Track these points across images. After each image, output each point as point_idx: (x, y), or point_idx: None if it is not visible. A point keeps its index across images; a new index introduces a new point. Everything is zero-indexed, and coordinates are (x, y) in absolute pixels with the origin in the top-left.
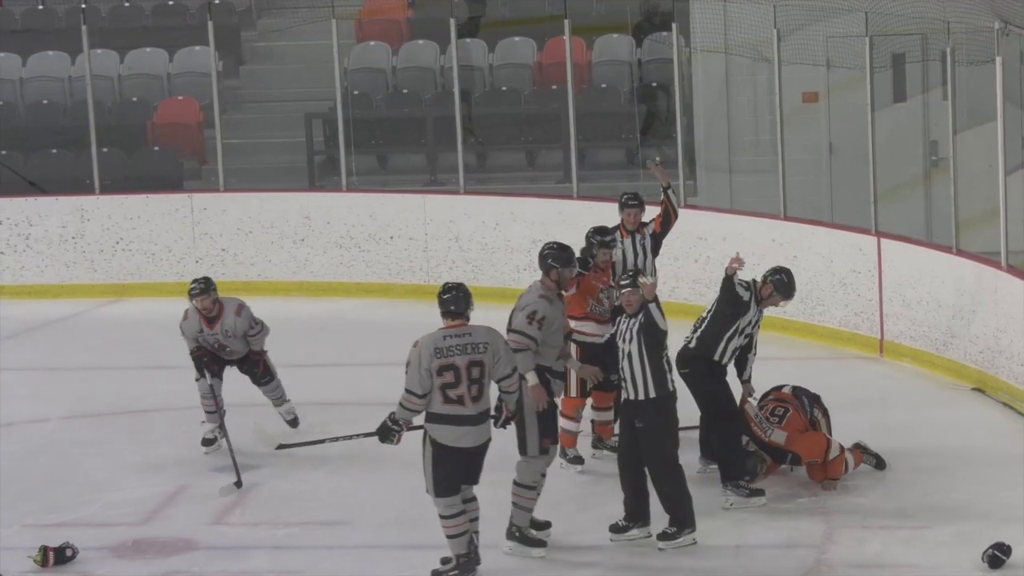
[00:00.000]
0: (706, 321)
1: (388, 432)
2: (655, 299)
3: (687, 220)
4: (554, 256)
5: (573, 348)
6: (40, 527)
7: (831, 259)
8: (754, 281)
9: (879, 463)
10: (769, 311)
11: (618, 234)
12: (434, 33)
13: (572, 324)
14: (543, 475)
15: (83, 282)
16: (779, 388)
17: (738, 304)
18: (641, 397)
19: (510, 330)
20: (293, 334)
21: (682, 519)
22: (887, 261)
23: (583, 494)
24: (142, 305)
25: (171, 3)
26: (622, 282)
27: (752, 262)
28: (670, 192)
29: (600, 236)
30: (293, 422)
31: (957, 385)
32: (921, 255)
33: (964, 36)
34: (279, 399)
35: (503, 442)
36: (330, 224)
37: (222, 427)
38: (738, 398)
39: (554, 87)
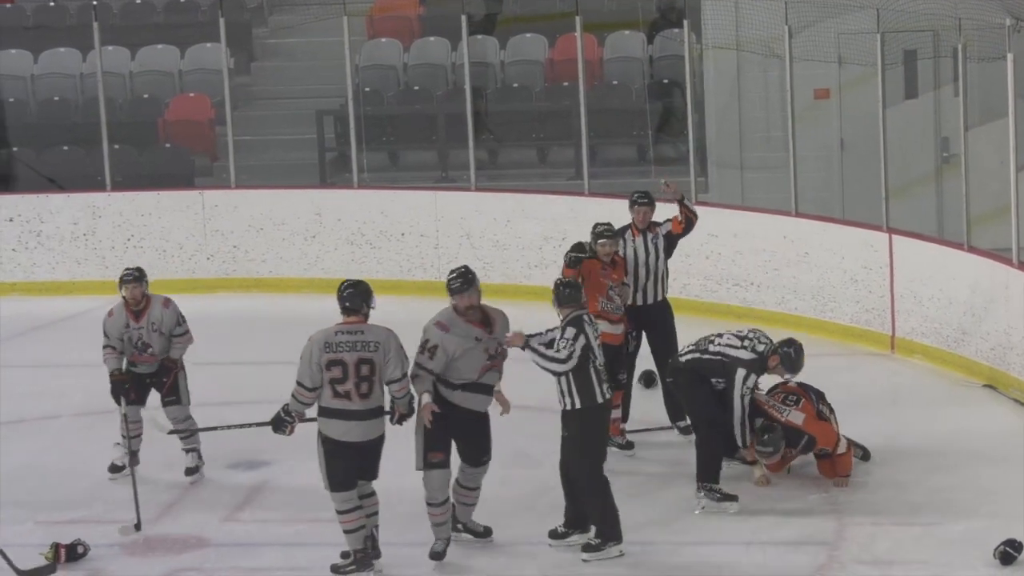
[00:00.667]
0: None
1: (281, 423)
2: (587, 316)
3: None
4: (448, 284)
5: None
6: (51, 524)
7: (842, 255)
8: (762, 355)
9: (865, 454)
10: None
11: (629, 233)
12: (445, 30)
13: None
14: (469, 487)
15: (94, 279)
16: (784, 383)
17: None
18: (567, 407)
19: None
20: (304, 331)
21: (607, 532)
22: (899, 258)
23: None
24: None
25: (182, 0)
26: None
27: (764, 259)
28: (685, 202)
29: (597, 229)
30: (190, 471)
31: (968, 382)
32: (933, 252)
33: (975, 33)
34: (187, 438)
35: (512, 439)
36: (341, 221)
37: (134, 455)
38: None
39: (566, 84)
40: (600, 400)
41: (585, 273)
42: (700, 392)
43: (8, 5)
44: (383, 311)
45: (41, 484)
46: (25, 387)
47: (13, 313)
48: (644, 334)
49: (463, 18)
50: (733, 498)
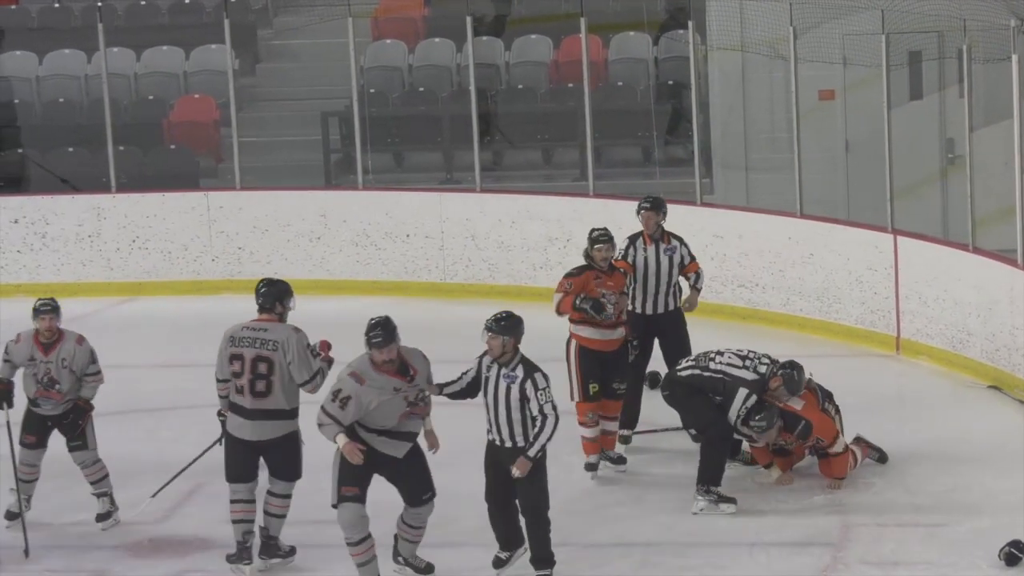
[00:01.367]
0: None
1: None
2: (522, 362)
3: (703, 218)
4: (368, 337)
5: (574, 347)
6: (56, 526)
7: (847, 257)
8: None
9: (881, 456)
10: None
11: (640, 241)
12: (450, 31)
13: (571, 328)
14: (413, 526)
15: (99, 280)
16: None
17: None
18: (508, 445)
19: None
20: (309, 332)
21: (544, 559)
22: (904, 259)
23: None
24: (158, 303)
25: (187, 1)
26: (487, 323)
27: (768, 260)
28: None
29: (593, 234)
30: (102, 517)
31: (974, 383)
32: (938, 253)
33: (980, 34)
34: (98, 483)
35: None
36: (346, 222)
37: (28, 500)
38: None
39: (570, 85)
40: (488, 437)
41: (580, 284)
42: (696, 401)
43: (13, 7)
44: (384, 312)
45: (45, 486)
46: None
47: (18, 314)
48: (656, 341)
49: (468, 19)
50: (731, 500)
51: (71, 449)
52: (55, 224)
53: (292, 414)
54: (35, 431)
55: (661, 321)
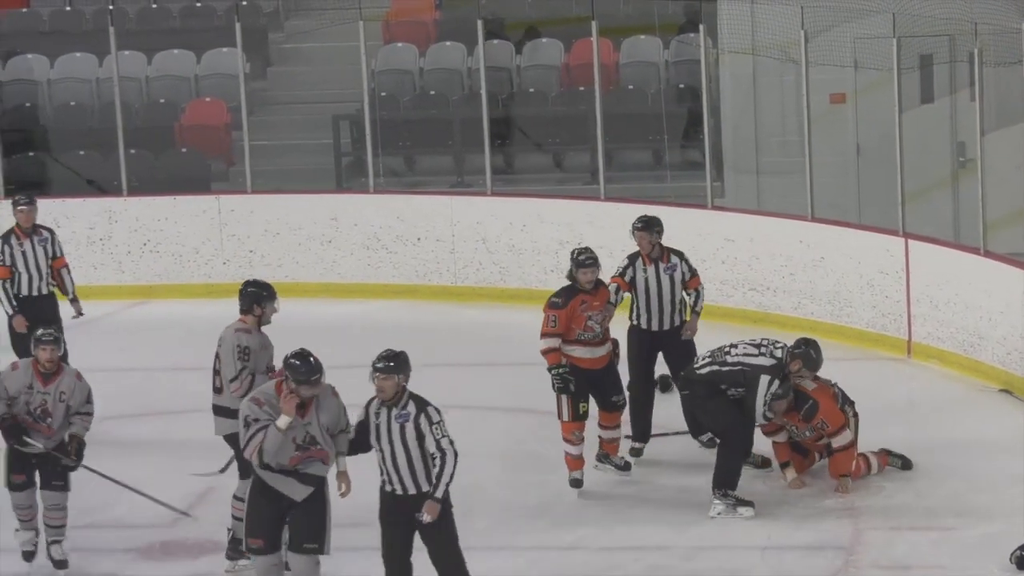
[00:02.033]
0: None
1: None
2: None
3: (714, 221)
4: (292, 369)
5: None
6: (69, 529)
7: (859, 260)
8: (781, 360)
9: (905, 463)
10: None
11: (640, 261)
12: (461, 34)
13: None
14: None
15: (110, 284)
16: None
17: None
18: (412, 492)
19: None
20: (320, 336)
21: None
22: (915, 262)
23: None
24: (169, 307)
25: (199, 5)
26: (376, 364)
27: (780, 263)
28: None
29: (578, 257)
30: (60, 565)
31: (985, 387)
32: (949, 256)
33: (992, 37)
34: (60, 527)
35: (525, 443)
36: (357, 226)
37: (37, 534)
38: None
39: (581, 88)
40: (385, 489)
41: (566, 318)
42: (717, 402)
43: (24, 10)
44: (395, 315)
45: None
46: None
47: None
48: (660, 353)
49: (479, 23)
50: (749, 504)
51: (51, 488)
52: (66, 227)
53: (236, 414)
54: (22, 468)
55: (665, 336)
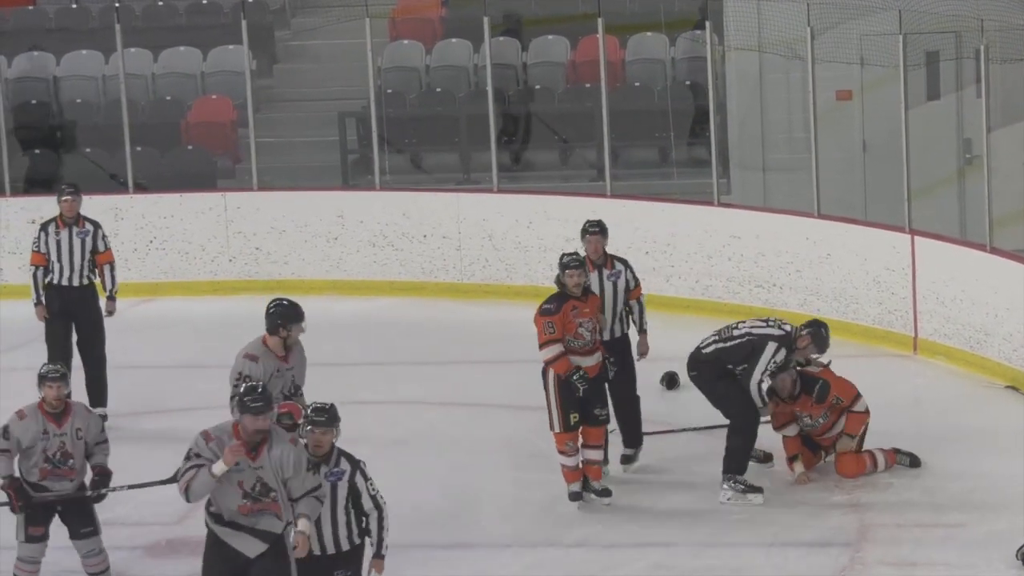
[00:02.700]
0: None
1: None
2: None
3: (720, 218)
4: (241, 398)
5: (552, 376)
6: None
7: (865, 257)
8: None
9: (913, 461)
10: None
11: (584, 268)
12: (467, 31)
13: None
14: None
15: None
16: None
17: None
18: (331, 552)
19: None
20: (326, 333)
21: None
22: (921, 259)
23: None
24: (176, 304)
25: (205, 2)
26: (314, 418)
27: (786, 260)
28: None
29: (564, 260)
30: None
31: (991, 383)
32: (955, 253)
33: (998, 34)
34: (102, 573)
35: (531, 442)
36: (363, 223)
37: None
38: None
39: (587, 85)
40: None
41: (562, 323)
42: (724, 384)
43: (30, 7)
44: (401, 312)
45: None
46: None
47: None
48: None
49: (485, 20)
50: (758, 490)
51: (81, 537)
52: None
53: None
54: (41, 520)
55: (607, 346)
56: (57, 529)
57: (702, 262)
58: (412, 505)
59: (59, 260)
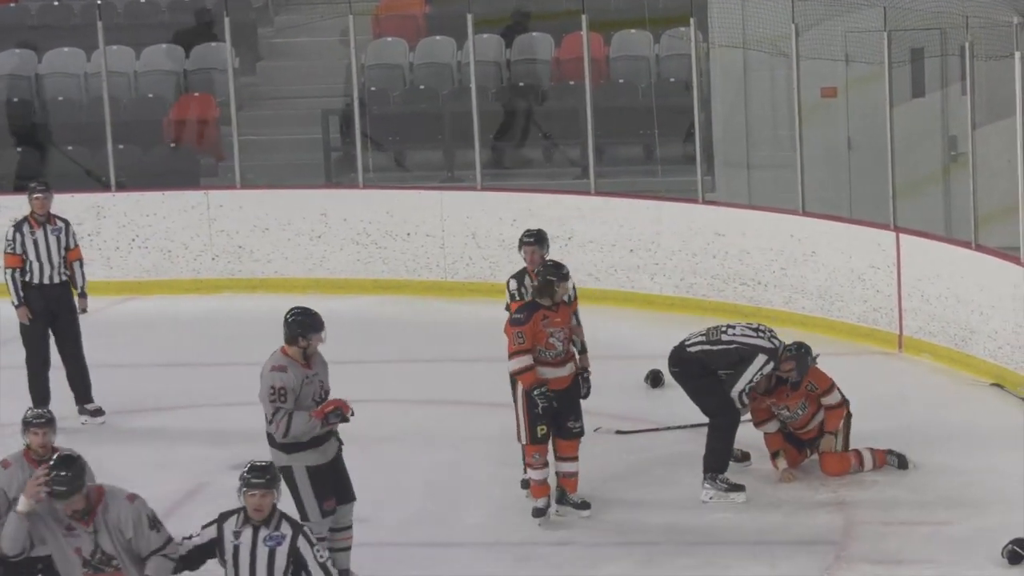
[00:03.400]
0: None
1: None
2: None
3: (705, 216)
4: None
5: (521, 387)
6: None
7: (850, 255)
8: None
9: (902, 462)
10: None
11: (527, 279)
12: (451, 29)
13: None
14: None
15: (99, 279)
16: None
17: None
18: None
19: None
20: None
21: None
22: (906, 257)
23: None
24: (158, 302)
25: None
26: (252, 480)
27: (770, 258)
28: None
29: (556, 271)
30: None
31: (976, 381)
32: (940, 251)
33: (983, 31)
34: None
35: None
36: (347, 221)
37: None
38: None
39: (572, 82)
40: None
41: (531, 333)
42: (706, 382)
43: (12, 4)
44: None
45: None
46: None
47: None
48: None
49: (468, 17)
50: (740, 488)
51: None
52: None
53: (281, 447)
54: None
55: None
56: None
57: (686, 260)
58: (405, 504)
59: (38, 259)
